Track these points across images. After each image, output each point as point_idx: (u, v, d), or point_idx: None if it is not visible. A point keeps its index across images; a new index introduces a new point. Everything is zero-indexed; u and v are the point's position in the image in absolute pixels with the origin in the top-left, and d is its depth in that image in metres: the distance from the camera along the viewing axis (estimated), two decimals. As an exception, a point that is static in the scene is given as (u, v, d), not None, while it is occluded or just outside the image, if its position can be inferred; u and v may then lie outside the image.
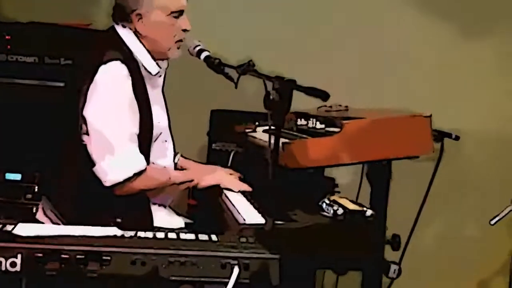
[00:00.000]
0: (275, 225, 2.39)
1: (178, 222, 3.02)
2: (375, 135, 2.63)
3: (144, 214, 2.85)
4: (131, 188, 2.72)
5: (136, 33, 2.80)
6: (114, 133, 2.68)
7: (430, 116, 2.65)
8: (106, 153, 2.67)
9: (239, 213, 2.63)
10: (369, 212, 2.50)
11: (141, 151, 2.76)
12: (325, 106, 3.56)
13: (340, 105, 3.36)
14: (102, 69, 2.66)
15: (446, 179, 3.15)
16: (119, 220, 2.64)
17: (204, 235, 2.28)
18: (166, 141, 2.99)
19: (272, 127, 2.51)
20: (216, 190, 3.03)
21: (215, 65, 2.89)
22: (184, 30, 2.85)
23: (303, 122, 3.32)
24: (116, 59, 2.68)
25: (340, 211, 2.51)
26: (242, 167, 3.44)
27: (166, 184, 2.87)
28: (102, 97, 2.67)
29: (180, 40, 2.86)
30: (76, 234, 2.15)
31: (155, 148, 2.89)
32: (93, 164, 2.70)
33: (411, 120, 2.66)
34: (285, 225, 2.46)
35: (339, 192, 3.03)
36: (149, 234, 2.27)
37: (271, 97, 2.38)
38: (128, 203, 2.75)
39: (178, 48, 2.88)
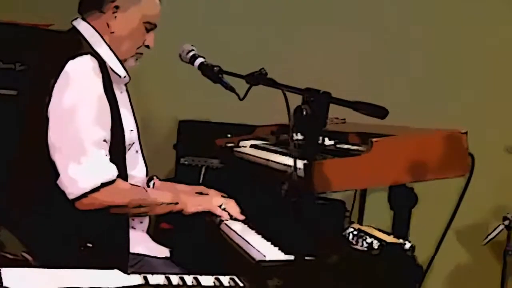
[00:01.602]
0: (305, 261, 2.02)
1: (163, 250, 2.67)
2: (407, 154, 2.30)
3: (121, 238, 2.47)
4: (97, 201, 2.32)
5: (101, 30, 2.48)
6: (81, 135, 2.30)
7: (466, 133, 2.35)
8: (71, 159, 2.29)
9: (254, 247, 2.25)
10: (407, 245, 2.17)
11: (115, 162, 2.38)
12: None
13: (337, 117, 3.02)
14: (71, 63, 2.32)
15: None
16: (90, 244, 2.32)
17: (225, 278, 1.94)
18: (137, 151, 2.64)
19: (295, 146, 2.15)
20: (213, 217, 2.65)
21: (214, 73, 2.53)
22: (147, 46, 2.58)
23: (300, 137, 2.96)
24: (87, 53, 2.36)
25: (376, 243, 2.16)
26: (226, 186, 3.09)
27: (142, 203, 2.47)
28: (70, 93, 2.31)
29: (140, 53, 2.59)
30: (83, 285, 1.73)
31: (127, 159, 2.51)
32: (56, 175, 2.30)
33: (446, 137, 2.34)
34: (315, 261, 2.10)
35: (349, 216, 2.70)
36: (160, 279, 1.89)
37: (304, 112, 1.99)
38: (102, 224, 2.37)
39: (136, 59, 2.59)
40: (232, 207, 2.65)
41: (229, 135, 3.80)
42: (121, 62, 2.51)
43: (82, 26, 2.49)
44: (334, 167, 2.21)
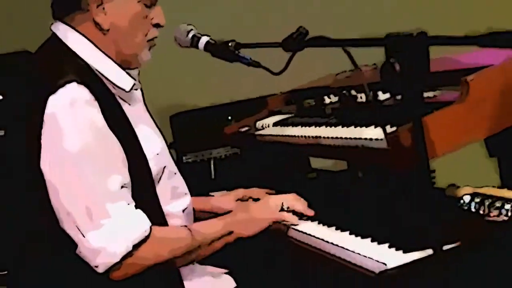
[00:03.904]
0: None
1: (227, 280, 2.12)
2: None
3: None
4: (136, 266, 1.83)
5: (90, 33, 1.92)
6: (93, 191, 1.78)
7: None
8: (88, 225, 1.77)
9: (360, 254, 1.73)
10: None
11: (141, 204, 1.85)
12: (345, 71, 2.70)
13: (366, 65, 2.49)
14: (53, 101, 1.77)
15: None
16: None
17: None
18: (175, 173, 2.10)
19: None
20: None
21: (229, 50, 2.06)
22: (157, 26, 2.01)
23: (333, 99, 2.43)
24: (70, 81, 1.78)
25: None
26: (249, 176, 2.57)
27: (189, 249, 1.94)
28: (62, 142, 1.77)
29: (153, 39, 2.02)
30: None
31: (161, 191, 1.98)
32: (74, 245, 1.80)
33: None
34: (457, 250, 1.61)
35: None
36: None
37: (396, 68, 1.48)
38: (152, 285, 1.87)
39: (149, 49, 2.03)
40: (297, 202, 2.11)
41: (230, 118, 3.30)
42: (124, 69, 1.96)
43: (62, 32, 1.92)
44: (435, 124, 1.69)
